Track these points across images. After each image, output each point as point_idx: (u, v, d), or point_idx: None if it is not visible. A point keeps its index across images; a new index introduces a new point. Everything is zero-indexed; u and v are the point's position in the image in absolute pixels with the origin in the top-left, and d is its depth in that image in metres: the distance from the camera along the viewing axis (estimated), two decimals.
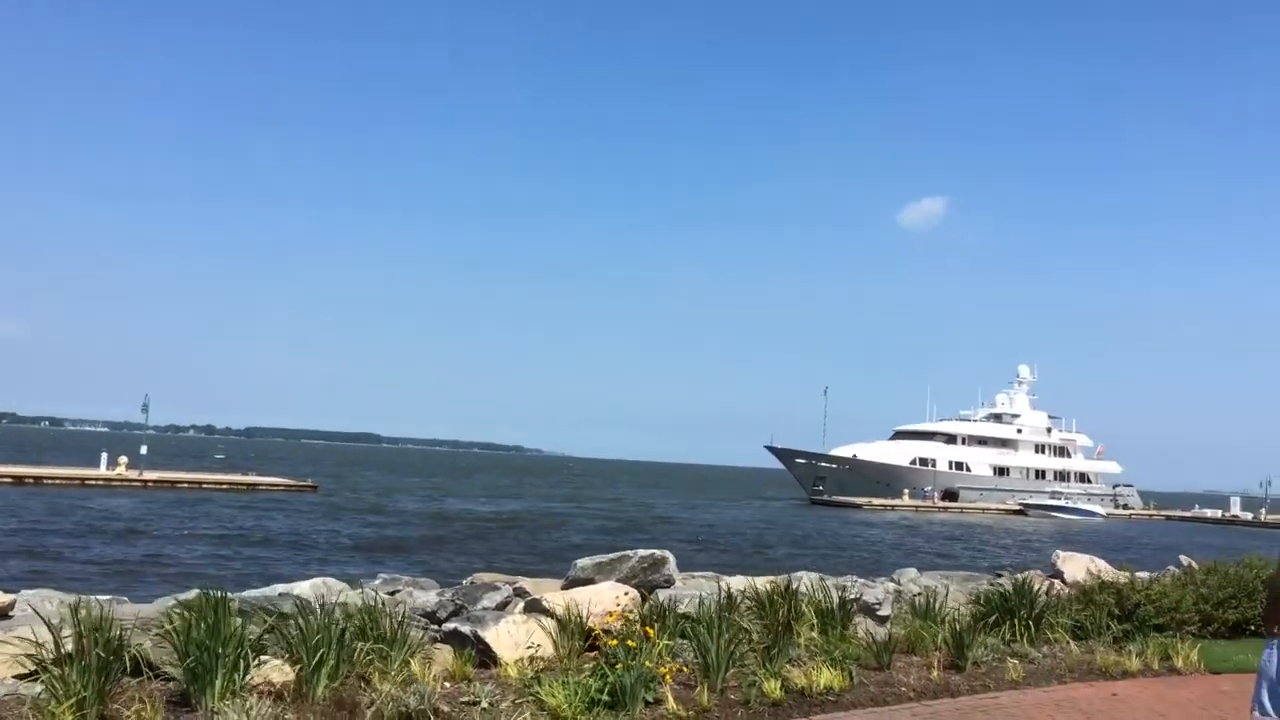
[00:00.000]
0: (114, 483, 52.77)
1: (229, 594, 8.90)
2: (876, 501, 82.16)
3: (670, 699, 6.93)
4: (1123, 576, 12.14)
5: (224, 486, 56.41)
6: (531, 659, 7.96)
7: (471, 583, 10.38)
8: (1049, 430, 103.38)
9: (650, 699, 6.89)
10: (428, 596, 9.38)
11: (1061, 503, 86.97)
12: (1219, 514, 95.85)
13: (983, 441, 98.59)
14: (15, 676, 6.61)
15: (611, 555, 10.01)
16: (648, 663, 6.97)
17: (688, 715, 6.84)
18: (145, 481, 53.62)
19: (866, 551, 39.84)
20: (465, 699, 6.69)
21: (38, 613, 6.85)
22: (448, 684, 7.23)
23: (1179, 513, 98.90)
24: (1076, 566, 12.84)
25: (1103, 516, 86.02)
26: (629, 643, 7.09)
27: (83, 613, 6.03)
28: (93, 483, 52.20)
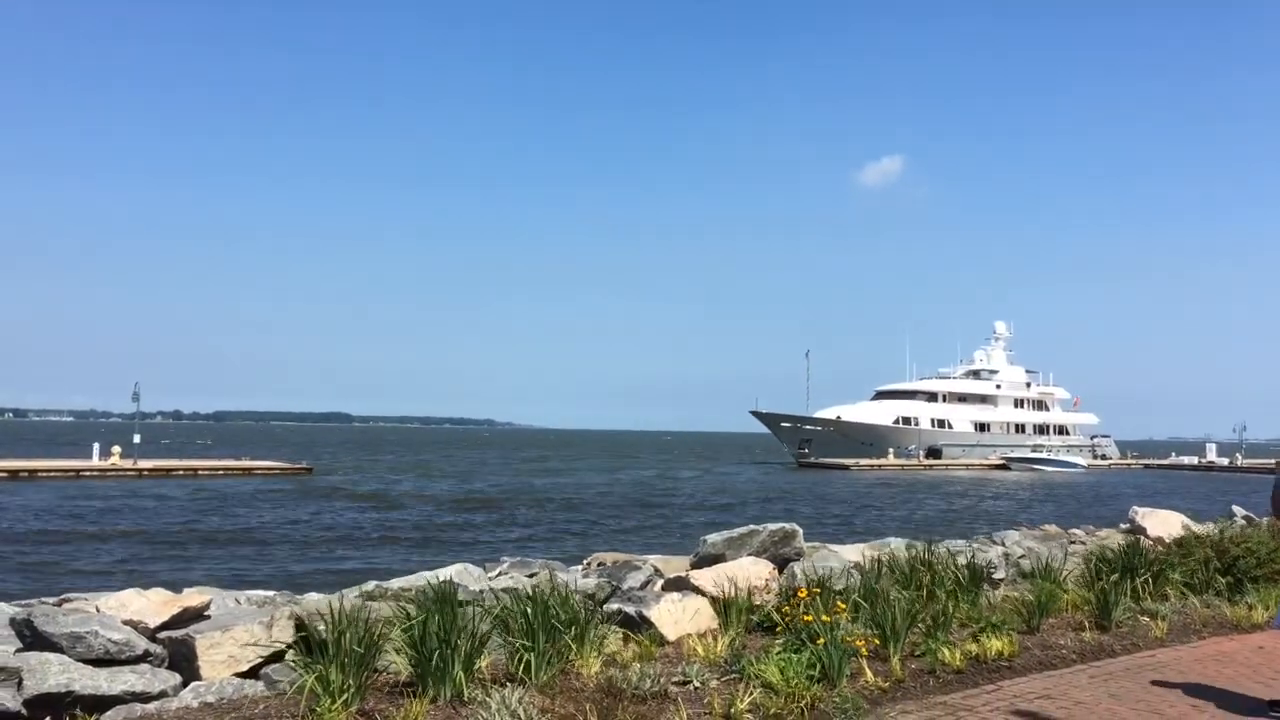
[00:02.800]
0: (109, 473, 52.22)
1: (382, 584, 9.00)
2: (864, 462, 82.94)
3: (868, 671, 7.11)
4: (1209, 530, 12.44)
5: (220, 472, 56.00)
6: (704, 634, 8.09)
7: (601, 563, 10.49)
8: (1027, 385, 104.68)
9: (848, 672, 7.05)
10: (571, 576, 9.49)
11: (1043, 455, 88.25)
12: (1196, 461, 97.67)
13: (963, 398, 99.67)
14: (237, 674, 6.67)
15: (740, 530, 10.16)
16: (846, 637, 7.13)
17: (886, 686, 7.02)
18: (140, 471, 53.08)
19: (895, 512, 40.31)
20: (676, 679, 6.81)
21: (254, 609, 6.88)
22: (637, 665, 7.35)
23: (1157, 461, 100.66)
24: (1159, 521, 13.15)
25: (1084, 468, 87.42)
26: (823, 618, 7.25)
27: (325, 607, 6.08)
28: (87, 474, 51.62)
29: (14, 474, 49.67)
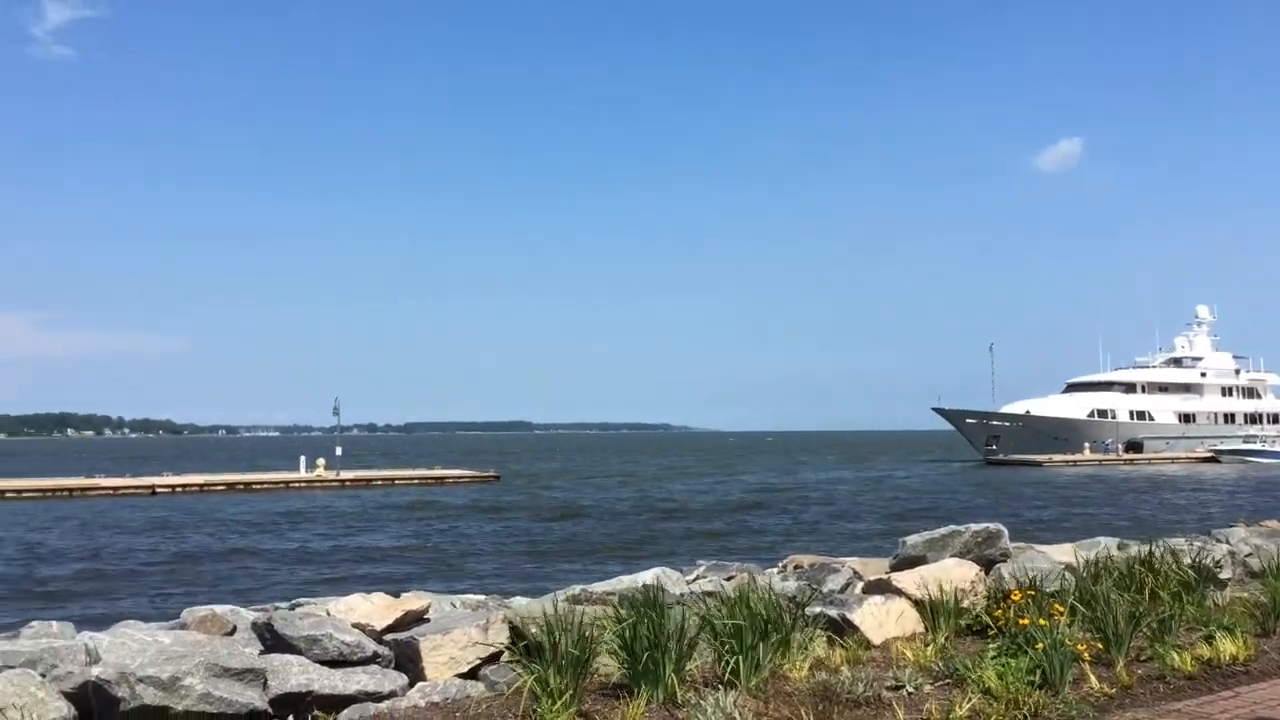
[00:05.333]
0: (315, 484, 55.45)
1: (587, 588, 9.20)
2: (1057, 458, 79.45)
3: (1092, 677, 6.80)
4: None
5: (414, 481, 58.53)
6: (910, 638, 7.93)
7: (797, 566, 10.42)
8: (1236, 371, 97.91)
9: (1070, 677, 6.76)
10: (769, 579, 9.45)
11: (1257, 446, 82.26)
12: None
13: (1164, 388, 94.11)
14: (458, 675, 6.95)
15: (941, 531, 9.89)
16: (1067, 641, 6.85)
17: (1113, 692, 6.70)
18: (343, 481, 56.13)
19: (1098, 510, 38.54)
20: (888, 684, 6.69)
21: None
22: (846, 669, 7.25)
23: None
24: None
25: None
26: (1041, 621, 6.99)
27: (537, 611, 6.27)
28: (296, 485, 54.95)
29: (232, 486, 53.41)
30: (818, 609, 8.54)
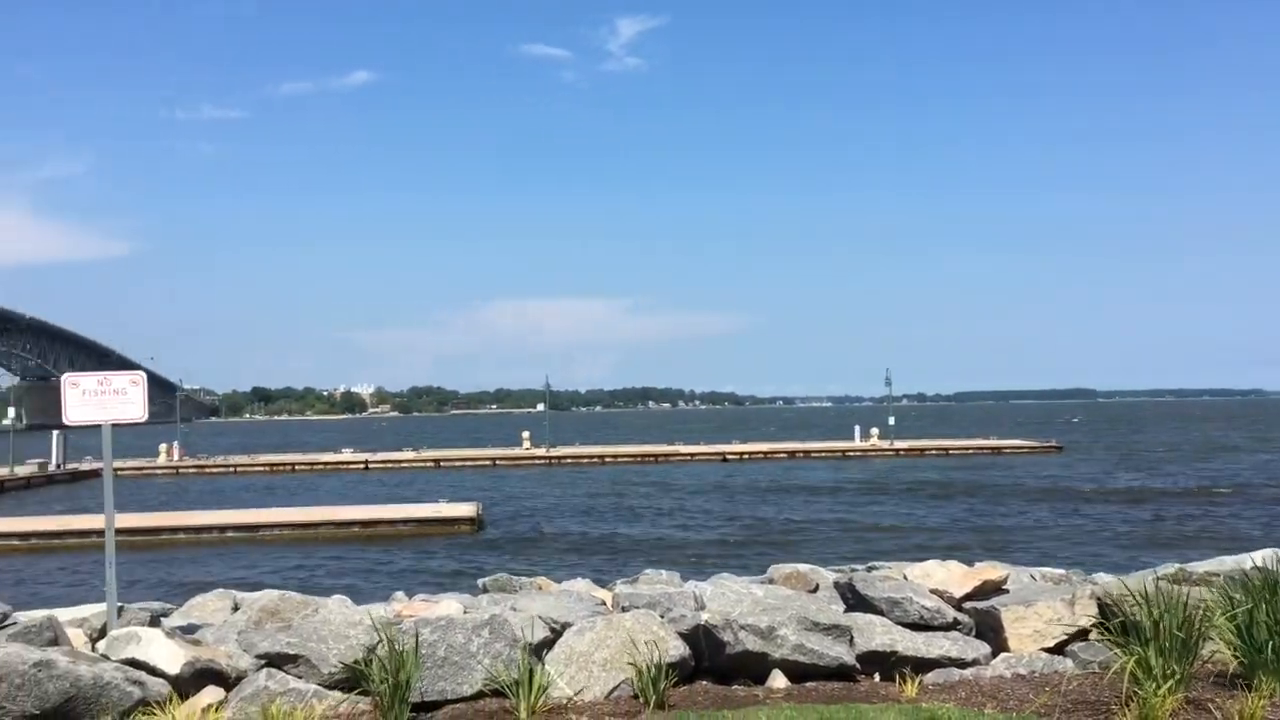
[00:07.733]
0: (870, 453, 56.77)
1: (1185, 567, 8.40)
2: None
3: None
4: None
5: (970, 451, 57.44)
6: None
7: None
8: None
9: None
10: None
11: None
12: None
13: None
14: (1043, 650, 6.74)
15: None
16: None
17: None
18: (897, 450, 56.80)
19: None
20: None
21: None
22: None
23: None
24: None
25: None
26: None
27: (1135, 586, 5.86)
28: (852, 454, 56.68)
29: (792, 454, 56.60)
30: None
